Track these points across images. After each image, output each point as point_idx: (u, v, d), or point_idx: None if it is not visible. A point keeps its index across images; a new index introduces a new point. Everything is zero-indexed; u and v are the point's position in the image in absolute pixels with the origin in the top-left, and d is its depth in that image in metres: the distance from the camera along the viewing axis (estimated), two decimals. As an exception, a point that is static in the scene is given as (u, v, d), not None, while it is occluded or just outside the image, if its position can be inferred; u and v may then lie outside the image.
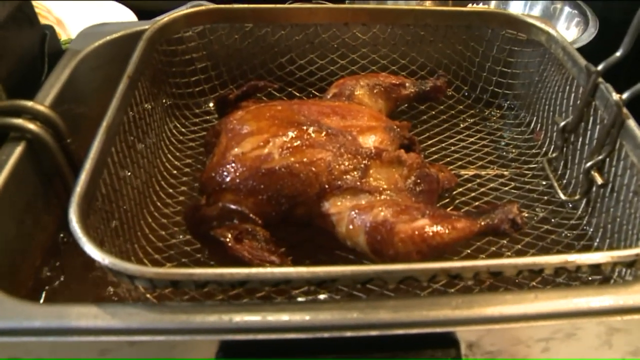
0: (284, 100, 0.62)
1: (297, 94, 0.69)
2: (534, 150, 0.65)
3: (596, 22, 0.89)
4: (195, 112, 0.67)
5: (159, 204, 0.57)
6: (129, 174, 0.53)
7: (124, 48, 0.60)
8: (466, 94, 0.71)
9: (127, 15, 1.07)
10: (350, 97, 0.62)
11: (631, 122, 0.52)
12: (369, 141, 0.54)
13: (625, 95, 0.53)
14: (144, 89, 0.59)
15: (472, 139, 0.67)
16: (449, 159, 0.64)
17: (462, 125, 0.69)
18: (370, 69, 0.68)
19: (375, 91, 0.63)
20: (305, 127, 0.54)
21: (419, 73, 0.69)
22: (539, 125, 0.67)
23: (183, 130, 0.66)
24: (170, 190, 0.59)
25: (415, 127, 0.68)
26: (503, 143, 0.67)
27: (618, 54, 0.54)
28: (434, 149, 0.65)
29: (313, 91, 0.69)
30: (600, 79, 0.56)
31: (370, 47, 0.68)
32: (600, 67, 0.57)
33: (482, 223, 0.48)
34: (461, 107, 0.70)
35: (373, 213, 0.48)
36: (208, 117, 0.66)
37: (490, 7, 1.02)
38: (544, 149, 0.64)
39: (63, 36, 1.07)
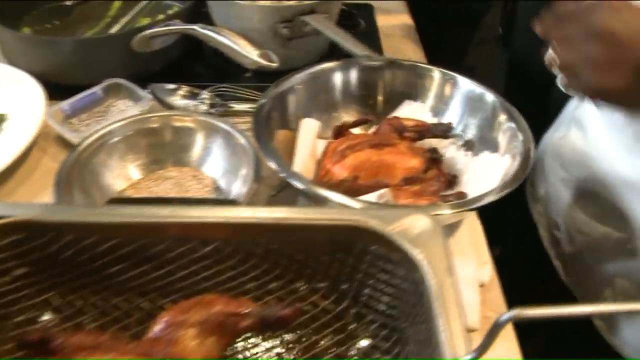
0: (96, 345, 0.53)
1: (129, 304, 0.60)
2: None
3: (530, 149, 0.76)
4: (14, 324, 0.59)
5: None
6: None
7: None
8: (333, 304, 0.60)
9: (35, 91, 0.99)
10: (172, 340, 0.53)
11: None
12: None
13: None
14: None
15: (329, 368, 0.58)
16: (292, 405, 0.55)
17: (322, 345, 0.59)
18: (215, 280, 0.58)
19: (205, 328, 0.54)
20: None
21: (274, 283, 0.59)
22: (406, 363, 0.56)
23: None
24: None
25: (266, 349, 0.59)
26: (364, 378, 0.57)
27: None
28: (279, 385, 0.56)
29: (150, 301, 0.60)
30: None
31: (214, 259, 0.57)
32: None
33: None
34: (326, 318, 0.60)
35: None
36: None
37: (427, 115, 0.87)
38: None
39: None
